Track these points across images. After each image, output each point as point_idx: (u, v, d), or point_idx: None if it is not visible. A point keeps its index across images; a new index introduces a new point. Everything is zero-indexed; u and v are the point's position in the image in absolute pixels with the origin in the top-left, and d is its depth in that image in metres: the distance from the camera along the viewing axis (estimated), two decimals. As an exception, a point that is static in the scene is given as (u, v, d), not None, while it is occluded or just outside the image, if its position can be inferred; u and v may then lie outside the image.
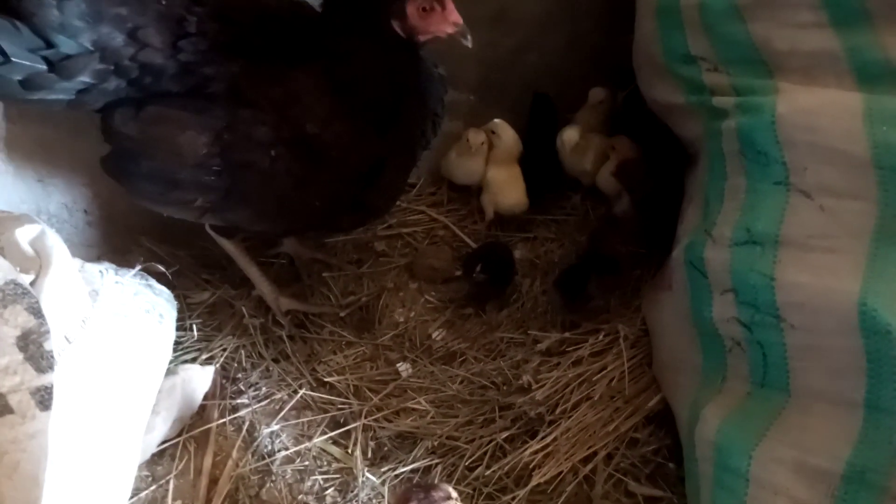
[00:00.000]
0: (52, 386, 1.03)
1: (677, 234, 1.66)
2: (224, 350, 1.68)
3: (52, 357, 1.05)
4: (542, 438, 1.51)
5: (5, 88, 1.28)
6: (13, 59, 1.24)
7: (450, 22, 1.40)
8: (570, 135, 2.05)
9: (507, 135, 2.05)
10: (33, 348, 1.04)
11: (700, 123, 1.57)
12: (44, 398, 1.01)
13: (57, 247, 1.33)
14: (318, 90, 1.41)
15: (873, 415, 1.13)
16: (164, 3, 1.37)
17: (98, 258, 1.81)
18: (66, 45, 1.28)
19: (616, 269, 1.80)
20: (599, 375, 1.62)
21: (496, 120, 2.06)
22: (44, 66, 1.28)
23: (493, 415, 1.57)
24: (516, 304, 1.91)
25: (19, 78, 1.27)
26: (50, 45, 1.27)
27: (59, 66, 1.29)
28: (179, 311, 1.66)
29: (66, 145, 1.67)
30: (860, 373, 1.14)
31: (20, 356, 1.02)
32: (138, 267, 1.49)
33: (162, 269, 1.58)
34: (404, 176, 1.66)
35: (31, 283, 1.25)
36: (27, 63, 1.26)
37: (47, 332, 1.07)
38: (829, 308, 1.18)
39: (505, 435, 1.52)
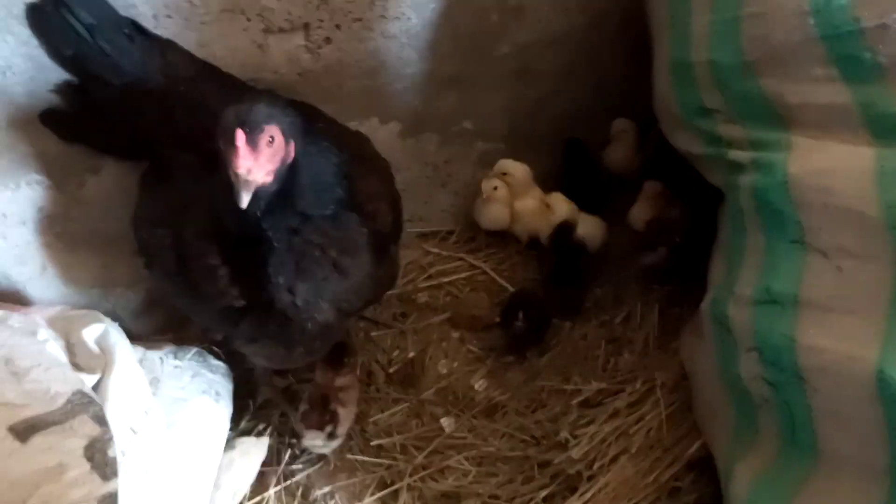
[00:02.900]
0: (116, 493, 1.15)
1: (708, 280, 1.67)
2: (281, 415, 1.79)
3: (116, 464, 1.18)
4: (582, 495, 1.55)
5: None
6: None
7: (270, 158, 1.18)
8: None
9: (515, 170, 2.09)
10: (98, 457, 1.16)
11: (721, 175, 1.58)
12: (109, 506, 1.14)
13: (120, 343, 1.47)
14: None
15: (899, 484, 1.13)
16: None
17: (160, 329, 1.97)
18: None
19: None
20: (637, 427, 1.65)
21: (501, 161, 2.10)
22: None
23: (533, 472, 1.63)
24: (557, 347, 1.96)
25: None
26: None
27: None
28: (236, 377, 1.79)
29: (124, 234, 1.81)
30: (883, 441, 1.14)
31: (87, 466, 1.14)
32: (194, 349, 1.62)
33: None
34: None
35: (99, 381, 1.39)
36: None
37: (111, 438, 1.20)
38: (848, 375, 1.18)
39: (544, 493, 1.58)
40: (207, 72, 1.62)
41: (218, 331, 1.58)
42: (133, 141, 1.59)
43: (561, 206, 2.09)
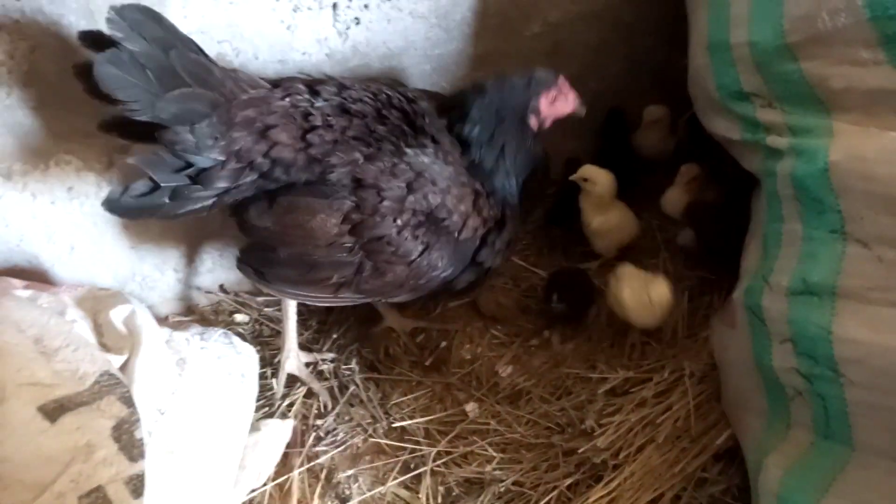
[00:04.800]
0: (143, 474, 1.16)
1: (741, 268, 1.63)
2: (305, 397, 1.80)
3: (143, 445, 1.18)
4: (607, 484, 1.53)
5: (156, 209, 1.39)
6: (162, 185, 1.37)
7: (573, 101, 1.65)
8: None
9: (601, 178, 1.96)
10: (126, 438, 1.17)
11: (758, 161, 1.53)
12: (136, 487, 1.14)
13: (146, 324, 1.48)
14: (441, 162, 1.57)
15: (938, 481, 1.10)
16: (288, 100, 1.48)
17: (188, 309, 1.99)
18: (202, 162, 1.39)
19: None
20: (664, 417, 1.62)
21: (585, 166, 1.98)
22: (187, 181, 1.40)
23: (558, 460, 1.61)
24: (583, 334, 1.94)
25: (167, 198, 1.39)
26: (189, 164, 1.39)
27: (198, 178, 1.41)
28: (261, 359, 1.79)
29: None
30: (923, 437, 1.11)
31: (115, 447, 1.15)
32: (220, 331, 1.63)
33: (244, 318, 1.71)
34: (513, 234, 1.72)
35: (126, 362, 1.40)
36: (173, 184, 1.38)
37: (137, 420, 1.20)
38: (888, 368, 1.15)
39: (569, 482, 1.56)
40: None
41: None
42: None
43: (600, 176, 1.97)
